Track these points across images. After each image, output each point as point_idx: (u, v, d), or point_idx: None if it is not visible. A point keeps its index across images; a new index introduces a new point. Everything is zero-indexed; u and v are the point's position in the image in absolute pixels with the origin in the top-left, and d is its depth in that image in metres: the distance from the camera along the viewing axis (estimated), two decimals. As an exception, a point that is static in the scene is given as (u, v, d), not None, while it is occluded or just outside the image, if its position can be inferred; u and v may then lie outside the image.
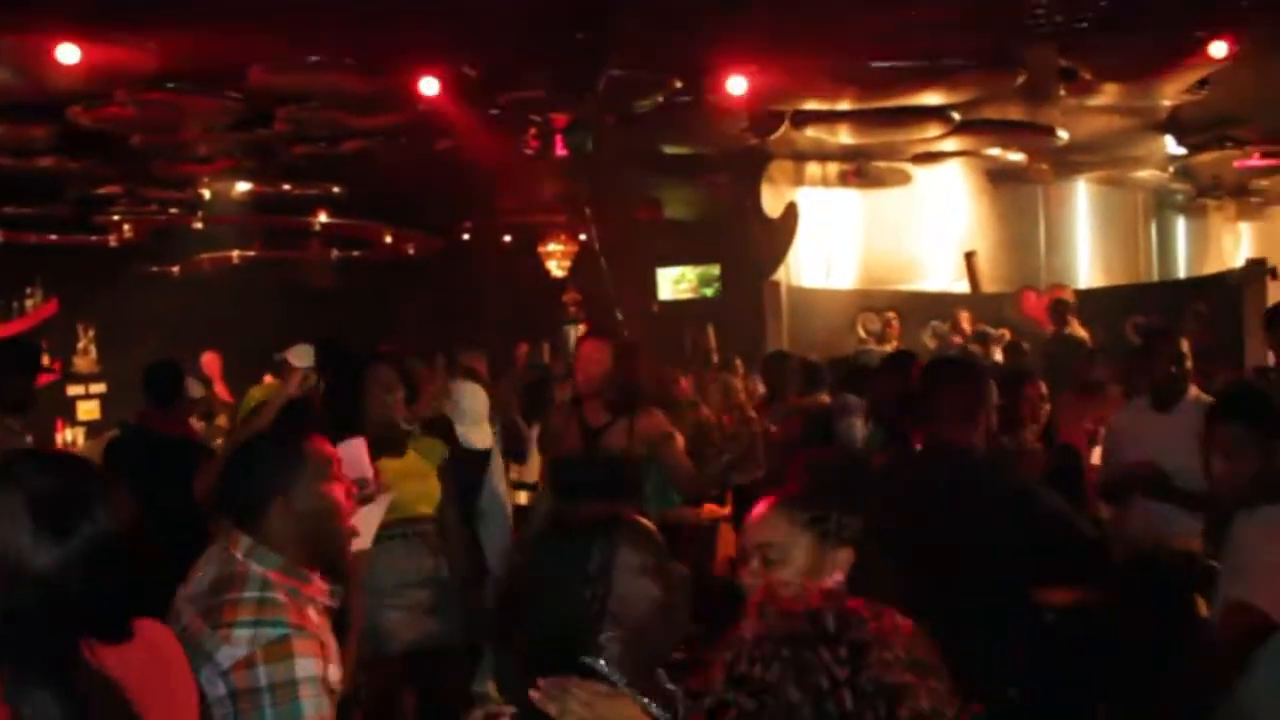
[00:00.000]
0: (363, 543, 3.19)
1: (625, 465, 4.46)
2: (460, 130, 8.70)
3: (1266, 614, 2.53)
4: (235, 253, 13.58)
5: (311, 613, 2.28)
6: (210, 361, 9.75)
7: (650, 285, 13.59)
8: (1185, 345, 4.65)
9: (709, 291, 13.75)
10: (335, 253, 14.53)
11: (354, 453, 3.33)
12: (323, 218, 12.84)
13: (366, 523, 3.24)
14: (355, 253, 14.56)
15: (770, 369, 6.91)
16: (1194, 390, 4.61)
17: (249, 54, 7.12)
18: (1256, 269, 8.88)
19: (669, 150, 10.82)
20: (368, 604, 3.47)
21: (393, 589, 3.80)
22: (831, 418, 5.59)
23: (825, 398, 6.11)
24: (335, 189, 11.62)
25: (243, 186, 11.41)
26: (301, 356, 4.65)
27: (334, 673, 2.24)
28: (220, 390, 9.37)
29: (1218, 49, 6.53)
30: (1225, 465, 2.83)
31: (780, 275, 11.39)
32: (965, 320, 11.04)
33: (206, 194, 11.59)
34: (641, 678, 1.76)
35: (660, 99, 8.54)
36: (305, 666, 2.14)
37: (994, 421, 3.56)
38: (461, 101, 8.01)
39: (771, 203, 11.71)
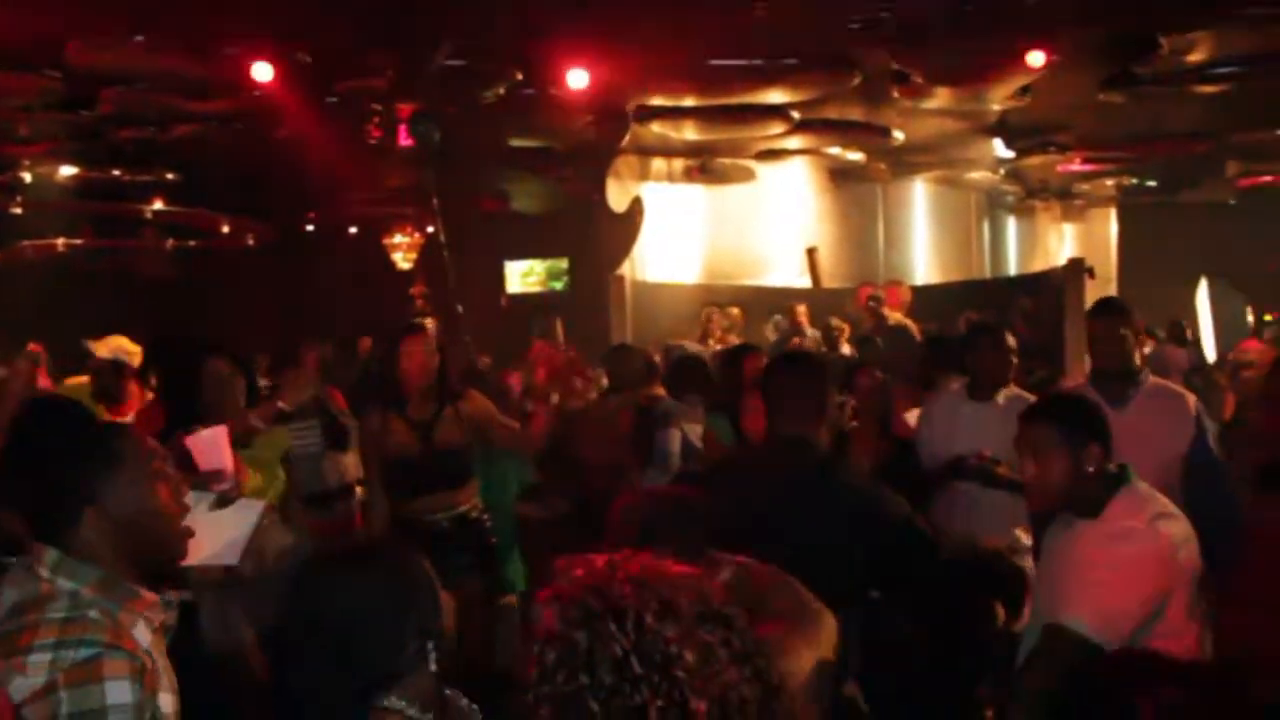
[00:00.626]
0: (229, 558, 2.95)
1: (462, 455, 4.48)
2: (297, 118, 8.50)
3: (1083, 636, 2.56)
4: (61, 240, 12.96)
5: (140, 632, 1.96)
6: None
7: (498, 278, 13.52)
8: (1011, 340, 4.83)
9: (558, 285, 13.73)
10: (171, 242, 14.01)
11: (209, 443, 3.18)
12: (157, 205, 12.38)
13: (230, 534, 2.98)
14: (192, 243, 14.07)
15: (612, 362, 6.89)
16: (1013, 386, 4.76)
17: (66, 29, 6.81)
18: (1076, 268, 9.28)
19: (516, 143, 10.78)
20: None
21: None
22: (656, 422, 5.56)
23: (660, 391, 6.14)
24: (170, 176, 11.21)
25: (68, 170, 10.92)
26: (109, 346, 4.47)
27: (166, 701, 1.95)
28: (44, 384, 8.93)
29: (1035, 58, 6.82)
30: (1034, 467, 2.83)
31: (625, 269, 11.45)
32: (802, 314, 11.27)
33: (28, 177, 11.05)
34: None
35: (502, 91, 8.50)
36: (117, 692, 1.82)
37: (837, 416, 3.61)
38: (297, 89, 7.82)
39: (617, 197, 11.77)
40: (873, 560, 3.13)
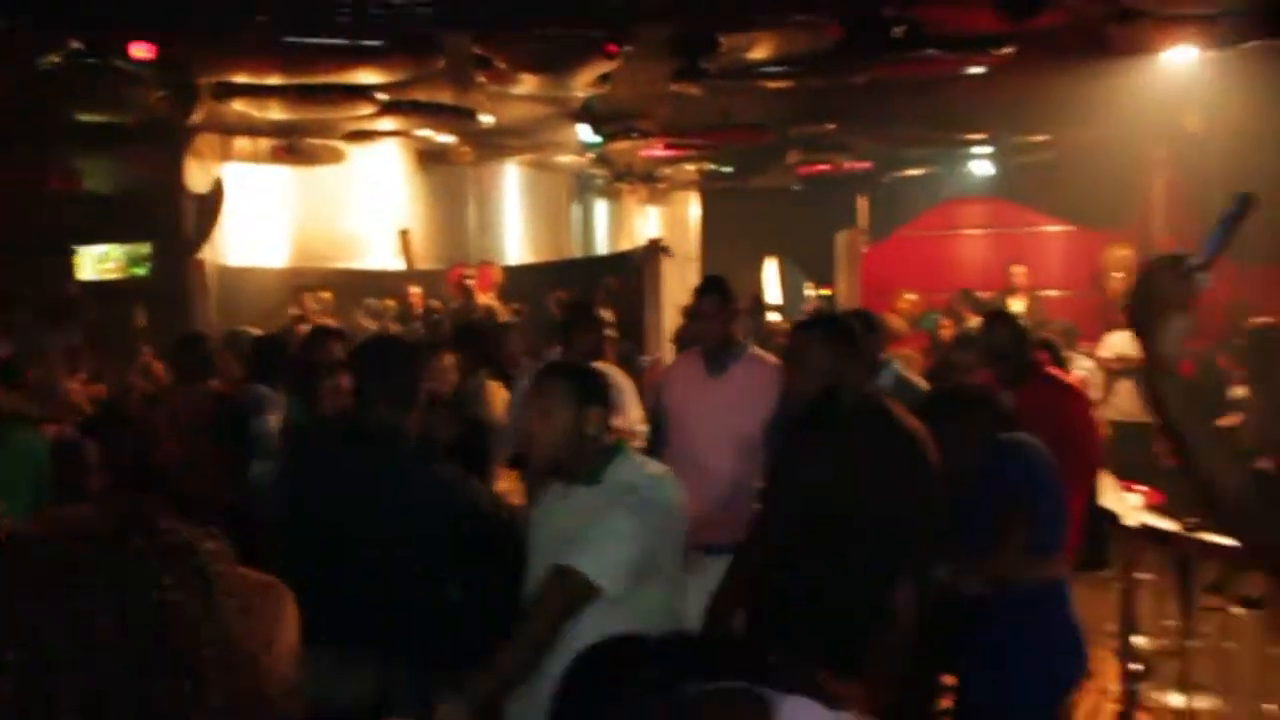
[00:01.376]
0: None
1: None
2: None
3: (587, 580, 2.70)
4: None
5: None
6: None
7: (67, 264, 12.39)
8: (608, 315, 5.12)
9: (140, 270, 12.78)
10: None
11: None
12: None
13: None
14: None
15: (181, 351, 6.43)
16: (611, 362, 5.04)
17: None
18: (653, 249, 9.82)
19: (84, 118, 9.90)
20: None
21: None
22: (248, 412, 5.33)
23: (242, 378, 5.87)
24: None
25: None
26: None
27: None
28: None
29: (608, 51, 7.09)
30: (541, 422, 2.88)
31: (207, 253, 10.85)
32: (415, 297, 11.22)
33: None
34: None
35: (59, 59, 7.78)
36: None
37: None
38: None
39: (198, 178, 11.12)
40: (451, 544, 3.19)
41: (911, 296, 11.96)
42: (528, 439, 5.00)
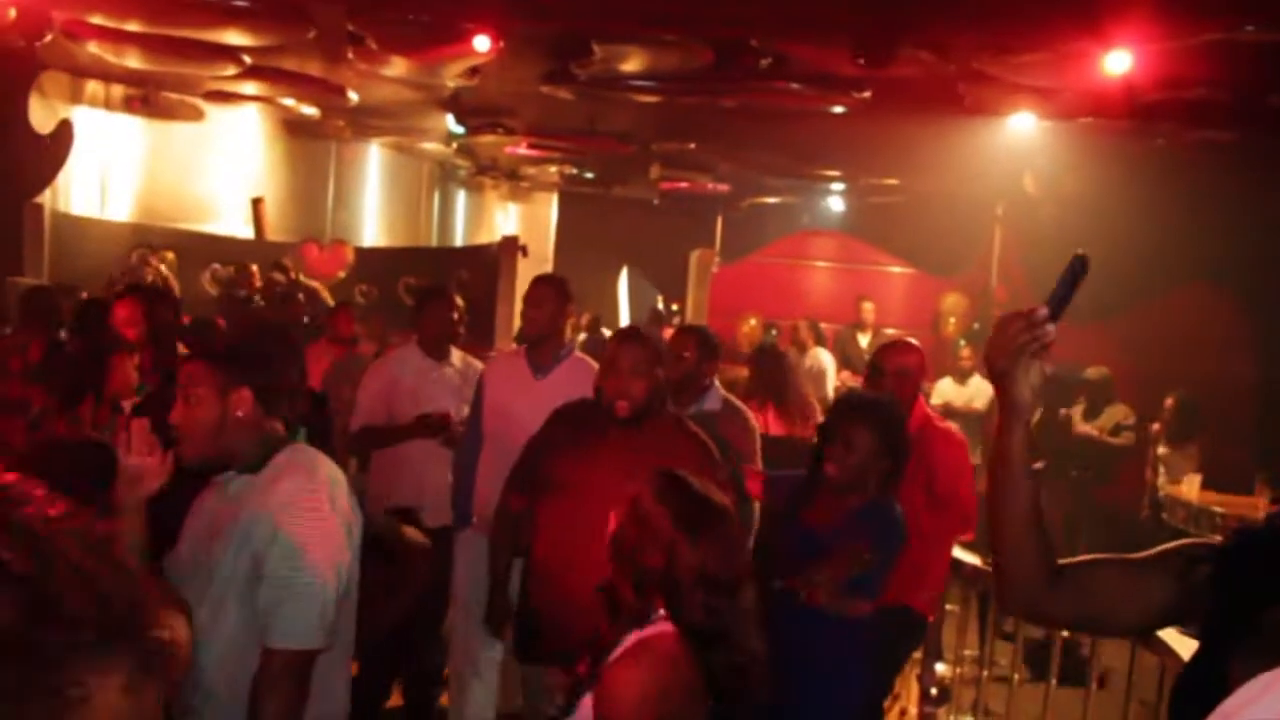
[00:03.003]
0: None
1: None
2: None
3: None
4: None
5: None
6: None
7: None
8: (460, 304, 5.20)
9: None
10: None
11: None
12: None
13: None
14: None
15: (26, 302, 6.19)
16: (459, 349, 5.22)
17: None
18: (509, 245, 9.89)
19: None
20: None
21: None
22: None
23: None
24: None
25: None
26: None
27: None
28: None
29: (481, 43, 7.15)
30: (185, 410, 2.59)
31: (45, 198, 10.44)
32: (254, 269, 11.00)
33: None
34: None
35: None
36: None
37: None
38: None
39: (42, 117, 10.68)
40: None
41: (754, 321, 12.34)
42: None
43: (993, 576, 1.88)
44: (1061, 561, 1.83)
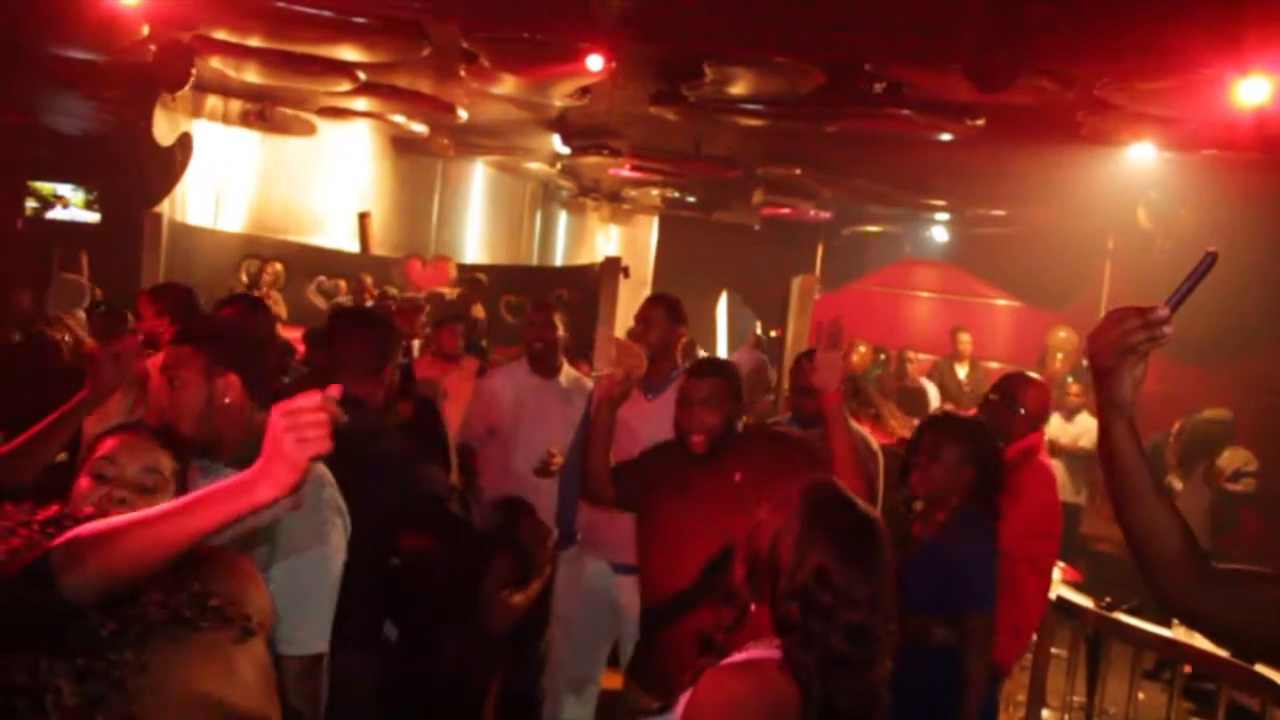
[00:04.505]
0: None
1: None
2: None
3: None
4: None
5: None
6: None
7: (19, 200, 12.23)
8: (559, 322, 5.22)
9: (89, 214, 12.65)
10: None
11: None
12: None
13: None
14: None
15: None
16: (567, 365, 5.31)
17: None
18: (611, 266, 9.88)
19: (55, 51, 9.76)
20: None
21: None
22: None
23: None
24: None
25: None
26: None
27: None
28: None
29: (594, 63, 7.16)
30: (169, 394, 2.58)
31: (164, 208, 10.74)
32: (369, 281, 11.18)
33: None
34: None
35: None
36: None
37: (396, 379, 3.56)
38: None
39: (164, 130, 11.00)
40: (400, 518, 3.19)
41: (863, 348, 12.18)
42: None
43: (1139, 572, 1.74)
44: (1221, 565, 1.73)
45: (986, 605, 3.45)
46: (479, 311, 10.48)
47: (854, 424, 4.41)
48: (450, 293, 11.12)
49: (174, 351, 2.52)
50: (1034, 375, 4.79)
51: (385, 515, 3.03)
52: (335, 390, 1.51)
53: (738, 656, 2.09)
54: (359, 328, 3.38)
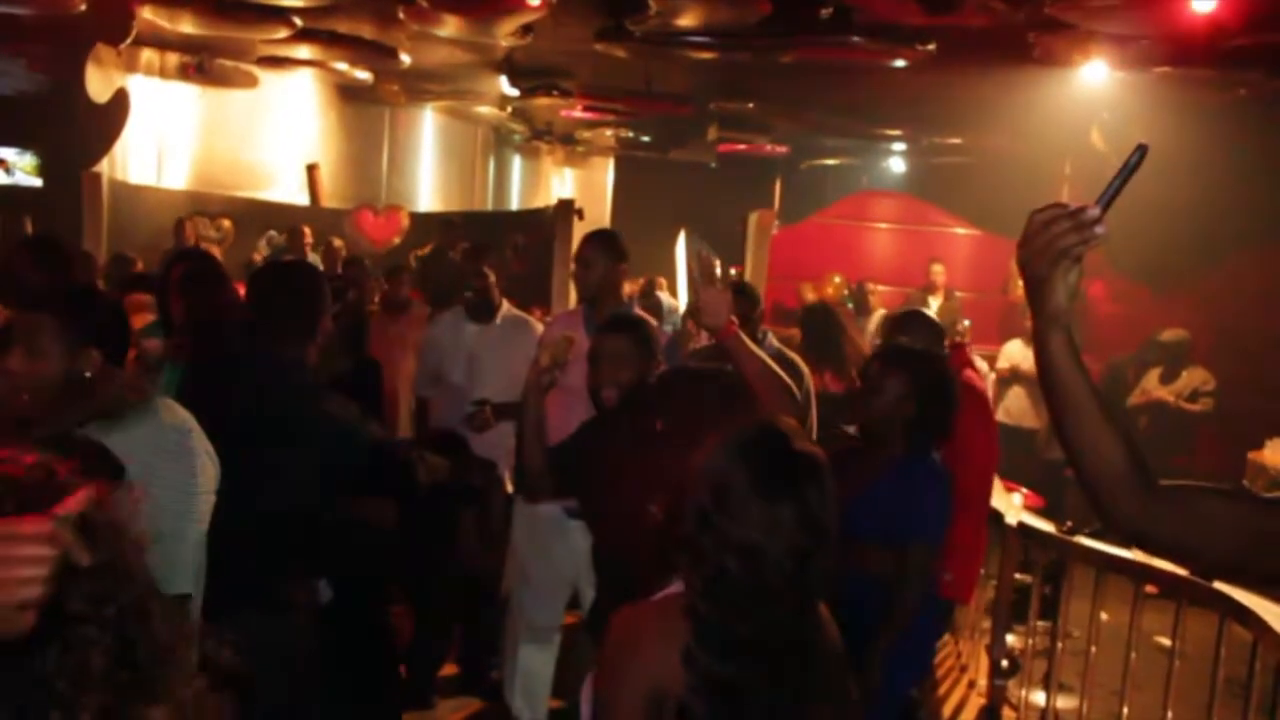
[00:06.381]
0: None
1: None
2: None
3: None
4: None
5: None
6: None
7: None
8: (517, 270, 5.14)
9: (30, 177, 12.31)
10: None
11: None
12: None
13: None
14: None
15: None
16: (507, 305, 5.24)
17: None
18: (565, 209, 9.73)
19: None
20: None
21: None
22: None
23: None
24: None
25: None
26: None
27: None
28: None
29: (534, -4, 6.98)
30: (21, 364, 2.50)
31: (104, 167, 10.46)
32: (306, 234, 10.96)
33: None
34: None
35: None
36: None
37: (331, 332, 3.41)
38: None
39: (98, 87, 10.68)
40: (340, 478, 3.08)
41: (837, 279, 12.12)
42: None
43: (1083, 494, 1.65)
44: (1166, 482, 1.61)
45: (928, 536, 3.40)
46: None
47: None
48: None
49: (34, 320, 2.41)
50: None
51: (316, 476, 2.93)
52: (73, 504, 1.15)
53: (665, 591, 2.00)
54: (281, 284, 3.20)
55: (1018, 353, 9.28)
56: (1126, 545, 4.42)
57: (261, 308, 3.14)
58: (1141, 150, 1.54)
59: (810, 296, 11.32)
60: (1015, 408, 9.06)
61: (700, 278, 2.85)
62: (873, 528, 3.30)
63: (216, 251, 9.76)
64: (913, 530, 3.38)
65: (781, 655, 1.88)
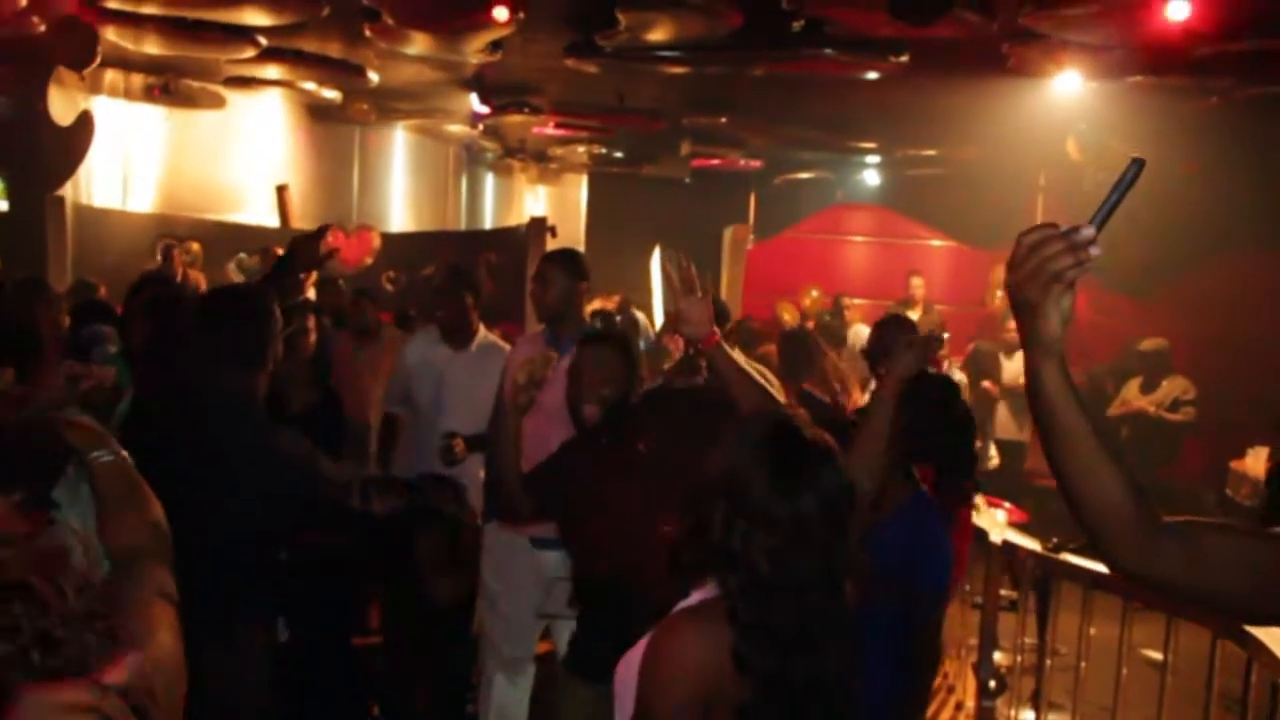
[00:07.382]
0: None
1: None
2: None
3: None
4: None
5: None
6: None
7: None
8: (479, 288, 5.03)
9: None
10: None
11: None
12: None
13: None
14: None
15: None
16: (484, 331, 5.06)
17: None
18: (538, 226, 9.61)
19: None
20: None
21: None
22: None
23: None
24: None
25: None
26: None
27: None
28: None
29: (500, 13, 6.88)
30: None
31: (68, 191, 10.28)
32: (279, 253, 10.81)
33: None
34: None
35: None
36: None
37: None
38: None
39: (61, 109, 10.49)
40: (286, 510, 2.97)
41: (815, 293, 12.04)
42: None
43: (1085, 534, 1.53)
44: (1170, 519, 1.50)
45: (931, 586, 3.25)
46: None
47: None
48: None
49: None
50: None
51: (268, 513, 2.80)
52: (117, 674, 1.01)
53: (689, 600, 2.03)
54: (230, 315, 3.07)
55: (1009, 371, 9.16)
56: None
57: (208, 335, 3.02)
58: (1137, 165, 1.43)
59: (787, 319, 11.23)
60: (1000, 422, 8.98)
61: (681, 286, 2.73)
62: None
63: (201, 280, 9.62)
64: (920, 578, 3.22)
65: (826, 641, 1.94)
